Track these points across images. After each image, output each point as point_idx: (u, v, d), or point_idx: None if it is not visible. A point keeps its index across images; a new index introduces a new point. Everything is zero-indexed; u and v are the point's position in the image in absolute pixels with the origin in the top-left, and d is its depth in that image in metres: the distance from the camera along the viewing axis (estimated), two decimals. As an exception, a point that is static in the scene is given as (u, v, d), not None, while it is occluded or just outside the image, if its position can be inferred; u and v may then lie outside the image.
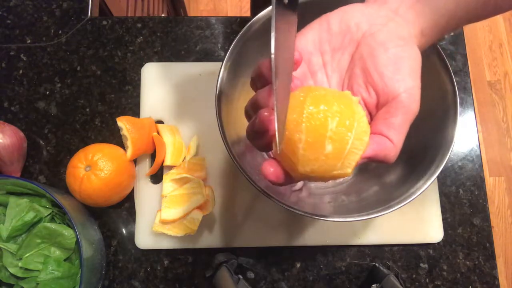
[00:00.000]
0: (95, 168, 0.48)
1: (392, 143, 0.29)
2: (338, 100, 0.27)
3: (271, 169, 0.29)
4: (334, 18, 0.32)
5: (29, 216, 0.46)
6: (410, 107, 0.29)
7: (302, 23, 0.32)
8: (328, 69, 0.33)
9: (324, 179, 0.28)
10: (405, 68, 0.29)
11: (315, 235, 0.53)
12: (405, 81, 0.29)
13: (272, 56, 0.24)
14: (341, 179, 0.52)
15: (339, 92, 0.29)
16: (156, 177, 0.55)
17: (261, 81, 0.29)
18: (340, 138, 0.26)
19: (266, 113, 0.27)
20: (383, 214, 0.39)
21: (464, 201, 0.55)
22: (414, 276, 0.53)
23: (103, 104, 0.57)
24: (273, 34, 0.24)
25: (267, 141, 0.29)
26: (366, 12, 0.32)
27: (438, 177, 0.50)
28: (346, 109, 0.27)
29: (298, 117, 0.27)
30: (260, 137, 0.29)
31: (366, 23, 0.31)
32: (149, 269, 0.52)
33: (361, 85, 0.31)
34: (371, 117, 0.31)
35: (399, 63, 0.29)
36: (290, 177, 0.29)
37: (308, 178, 0.28)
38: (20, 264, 0.45)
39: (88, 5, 0.61)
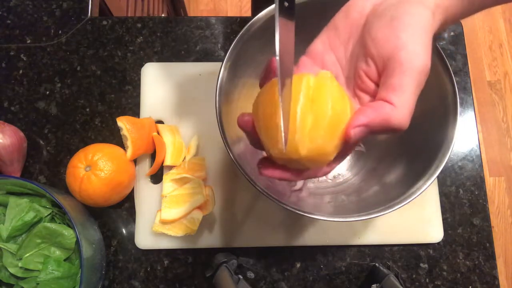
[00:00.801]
0: (95, 168, 0.48)
1: (392, 105, 0.26)
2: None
3: (268, 167, 0.30)
4: (339, 15, 0.32)
5: (29, 216, 0.46)
6: (411, 63, 0.26)
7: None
8: (343, 62, 0.33)
9: (310, 159, 0.27)
10: (400, 25, 0.27)
11: (315, 235, 0.53)
12: (399, 38, 0.27)
13: (277, 58, 0.25)
14: (341, 178, 0.52)
15: (297, 74, 0.29)
16: (156, 177, 0.55)
17: (268, 79, 0.31)
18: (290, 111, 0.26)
19: (243, 117, 0.30)
20: (383, 214, 0.39)
21: (464, 201, 0.55)
22: (414, 276, 0.53)
23: (103, 104, 0.57)
24: (277, 36, 0.25)
25: (254, 138, 0.31)
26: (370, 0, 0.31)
27: (438, 177, 0.50)
28: (294, 83, 0.27)
29: (255, 106, 0.28)
30: (248, 136, 0.31)
31: (369, 6, 0.31)
32: (149, 269, 0.52)
33: (362, 60, 0.30)
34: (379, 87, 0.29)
35: (393, 23, 0.28)
36: (288, 169, 0.30)
37: (294, 161, 0.28)
38: (20, 264, 0.45)
39: (88, 5, 0.61)
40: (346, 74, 0.33)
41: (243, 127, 0.30)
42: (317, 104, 0.26)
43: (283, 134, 0.25)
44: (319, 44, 0.33)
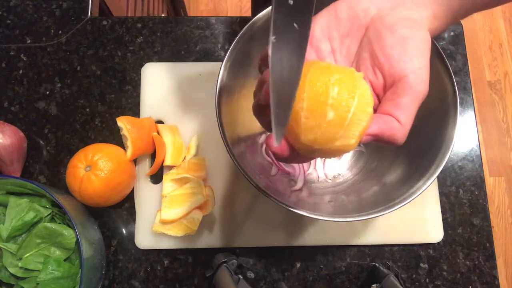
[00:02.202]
0: (95, 168, 0.48)
1: (399, 123, 0.29)
2: (340, 71, 0.28)
3: (283, 147, 0.29)
4: (342, 6, 0.33)
5: (29, 216, 0.46)
6: (417, 88, 0.29)
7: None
8: (337, 55, 0.34)
9: (327, 152, 0.28)
10: (412, 49, 0.29)
11: (315, 235, 0.53)
12: (411, 61, 0.29)
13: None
14: (341, 178, 0.52)
15: (343, 66, 0.29)
16: (156, 177, 0.55)
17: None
18: (342, 105, 0.26)
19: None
20: (383, 214, 0.39)
21: (464, 201, 0.55)
22: (414, 276, 0.53)
23: (103, 104, 0.57)
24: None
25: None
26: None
27: (438, 177, 0.50)
28: (347, 79, 0.27)
29: (300, 87, 0.27)
30: (264, 112, 0.30)
31: (374, 8, 0.32)
32: (149, 269, 0.52)
33: (368, 67, 0.31)
34: (379, 99, 0.31)
35: (405, 44, 0.29)
36: (294, 151, 0.30)
37: (312, 150, 0.28)
38: (20, 264, 0.45)
39: (88, 5, 0.61)
40: None
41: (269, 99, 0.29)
42: (361, 105, 0.27)
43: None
44: (318, 29, 0.33)
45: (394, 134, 0.29)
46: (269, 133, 0.31)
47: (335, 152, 0.28)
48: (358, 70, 0.32)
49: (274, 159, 0.53)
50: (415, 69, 0.29)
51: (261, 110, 0.31)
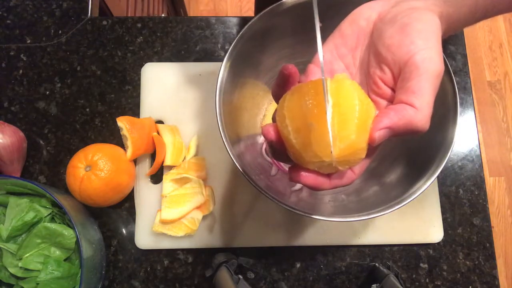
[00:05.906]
0: (95, 168, 0.48)
1: (414, 107, 0.27)
2: (310, 84, 0.27)
3: (303, 173, 0.29)
4: (345, 23, 0.33)
5: (29, 216, 0.46)
6: (426, 66, 0.27)
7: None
8: (351, 69, 0.34)
9: (343, 159, 0.27)
10: (414, 32, 0.28)
11: (315, 235, 0.53)
12: (414, 43, 0.28)
13: (321, 63, 0.25)
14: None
15: (317, 79, 0.29)
16: (156, 177, 0.55)
17: (287, 85, 0.31)
18: (315, 112, 0.26)
19: (269, 128, 0.29)
20: (383, 214, 0.39)
21: (464, 201, 0.55)
22: (414, 276, 0.53)
23: (103, 104, 0.57)
24: (319, 48, 0.26)
25: (278, 149, 0.30)
26: (375, 6, 0.32)
27: (438, 177, 0.50)
28: (318, 87, 0.27)
29: (283, 115, 0.28)
30: (274, 150, 0.30)
31: (375, 14, 0.32)
32: (149, 269, 0.52)
33: (376, 66, 0.30)
34: (395, 92, 0.30)
35: (405, 30, 0.28)
36: (327, 175, 0.29)
37: (327, 164, 0.27)
38: (20, 264, 0.45)
39: (88, 5, 0.61)
40: (357, 81, 0.33)
41: (270, 138, 0.29)
42: (344, 101, 0.26)
43: (330, 135, 0.25)
44: (327, 52, 0.33)
45: (410, 122, 0.27)
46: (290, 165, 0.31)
47: (350, 156, 0.27)
48: (368, 73, 0.32)
49: (274, 160, 0.53)
50: (419, 49, 0.27)
51: (272, 151, 0.31)
